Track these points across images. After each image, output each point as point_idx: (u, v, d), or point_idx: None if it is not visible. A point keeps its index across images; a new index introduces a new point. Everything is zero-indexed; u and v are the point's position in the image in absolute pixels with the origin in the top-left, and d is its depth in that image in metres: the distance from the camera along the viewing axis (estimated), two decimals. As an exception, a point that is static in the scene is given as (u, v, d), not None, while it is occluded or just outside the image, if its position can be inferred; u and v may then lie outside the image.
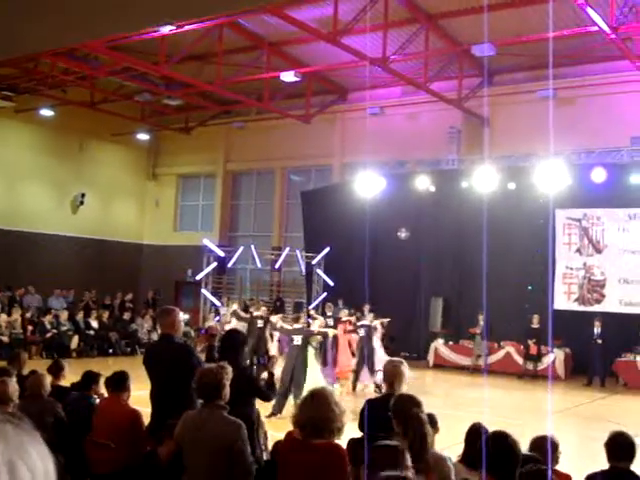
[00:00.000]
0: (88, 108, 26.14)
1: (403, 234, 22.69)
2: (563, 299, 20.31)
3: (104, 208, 29.27)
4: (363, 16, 17.91)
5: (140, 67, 20.82)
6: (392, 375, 5.41)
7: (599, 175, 18.93)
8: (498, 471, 4.13)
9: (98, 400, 7.39)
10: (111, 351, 21.11)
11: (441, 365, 20.71)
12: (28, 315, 20.99)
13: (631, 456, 4.90)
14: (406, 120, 24.63)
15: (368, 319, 16.66)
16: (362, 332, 16.27)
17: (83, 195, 28.03)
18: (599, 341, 18.29)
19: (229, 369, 5.05)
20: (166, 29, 16.84)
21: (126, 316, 23.26)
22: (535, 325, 19.27)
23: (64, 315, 21.26)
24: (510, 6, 17.67)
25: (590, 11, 15.30)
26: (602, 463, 4.97)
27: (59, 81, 23.96)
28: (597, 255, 20.04)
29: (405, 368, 5.56)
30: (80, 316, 21.83)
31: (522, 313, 19.73)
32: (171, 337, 6.55)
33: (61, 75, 23.04)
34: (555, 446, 5.50)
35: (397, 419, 4.35)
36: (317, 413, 4.17)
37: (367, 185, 22.03)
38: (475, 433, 5.47)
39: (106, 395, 7.02)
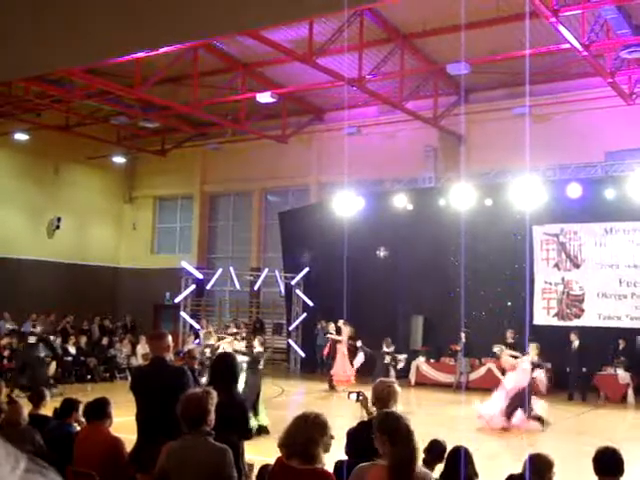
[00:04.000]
0: (63, 132, 26.01)
1: (382, 253, 22.69)
2: (542, 314, 20.37)
3: (80, 232, 29.04)
4: (338, 36, 18.01)
5: (115, 90, 20.76)
6: (387, 395, 5.34)
7: (575, 190, 19.07)
8: None
9: (78, 428, 7.26)
10: (90, 377, 20.81)
11: (423, 383, 20.65)
12: (4, 342, 20.66)
13: (619, 470, 4.87)
14: (383, 139, 24.73)
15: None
16: (387, 359, 15.94)
17: (59, 219, 27.81)
18: (577, 355, 18.34)
19: (214, 394, 4.97)
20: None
21: (104, 341, 22.98)
22: (509, 340, 19.33)
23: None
24: (484, 25, 17.83)
25: (562, 29, 15.48)
26: (588, 478, 4.94)
27: (33, 105, 23.82)
28: (575, 270, 20.15)
29: (398, 388, 5.50)
30: (58, 342, 21.53)
31: (502, 329, 19.72)
32: (164, 360, 6.47)
33: (35, 98, 22.91)
34: (549, 465, 5.42)
35: (383, 436, 4.21)
36: (306, 436, 4.10)
37: (345, 205, 22.04)
38: (452, 453, 5.52)
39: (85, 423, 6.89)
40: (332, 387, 19.09)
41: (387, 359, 15.74)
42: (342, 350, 19.32)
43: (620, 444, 8.68)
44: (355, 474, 4.26)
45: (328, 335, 20.21)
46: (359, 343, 16.46)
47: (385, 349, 15.98)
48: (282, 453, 4.32)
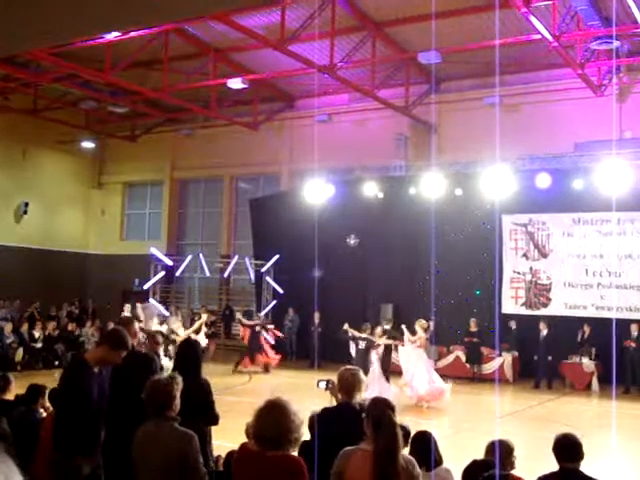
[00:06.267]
0: (31, 115, 25.65)
1: (352, 240, 22.73)
2: (511, 303, 20.56)
3: (48, 217, 28.73)
4: (310, 24, 17.94)
5: (85, 74, 20.52)
6: (351, 383, 5.35)
7: (544, 181, 19.22)
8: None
9: (45, 414, 7.20)
10: (57, 363, 20.64)
11: (392, 371, 20.70)
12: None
13: (579, 456, 4.95)
14: (354, 127, 24.74)
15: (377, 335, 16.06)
16: (361, 345, 15.84)
17: (27, 204, 27.47)
18: (545, 343, 18.57)
19: (179, 379, 4.95)
20: (111, 35, 16.64)
21: (72, 327, 22.80)
22: (473, 329, 19.61)
23: (8, 327, 20.74)
24: (456, 14, 17.88)
25: (533, 19, 15.58)
26: (553, 465, 5.01)
27: (1, 88, 23.47)
28: (543, 259, 20.34)
29: (363, 376, 5.52)
30: (25, 328, 21.33)
31: (470, 317, 19.93)
32: (132, 347, 6.45)
33: (3, 81, 22.57)
34: (510, 450, 5.54)
35: (368, 421, 4.31)
36: (276, 424, 4.10)
37: (316, 192, 22.03)
38: (419, 439, 5.57)
39: (52, 409, 6.84)
40: (266, 370, 20.61)
41: (361, 344, 15.73)
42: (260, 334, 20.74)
43: (584, 431, 8.81)
44: (340, 457, 4.30)
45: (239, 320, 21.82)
46: (350, 333, 16.36)
47: (358, 334, 15.99)
48: (251, 440, 4.32)
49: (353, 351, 16.61)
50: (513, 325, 19.68)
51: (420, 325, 15.96)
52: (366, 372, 14.98)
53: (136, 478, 4.73)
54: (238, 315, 22.20)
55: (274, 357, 20.85)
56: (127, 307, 21.53)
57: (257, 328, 20.71)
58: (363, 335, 15.87)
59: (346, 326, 16.73)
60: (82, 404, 5.44)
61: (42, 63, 20.50)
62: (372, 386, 14.65)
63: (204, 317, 19.19)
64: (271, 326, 21.70)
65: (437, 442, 5.68)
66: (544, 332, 18.67)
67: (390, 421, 4.24)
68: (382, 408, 4.38)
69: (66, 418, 5.53)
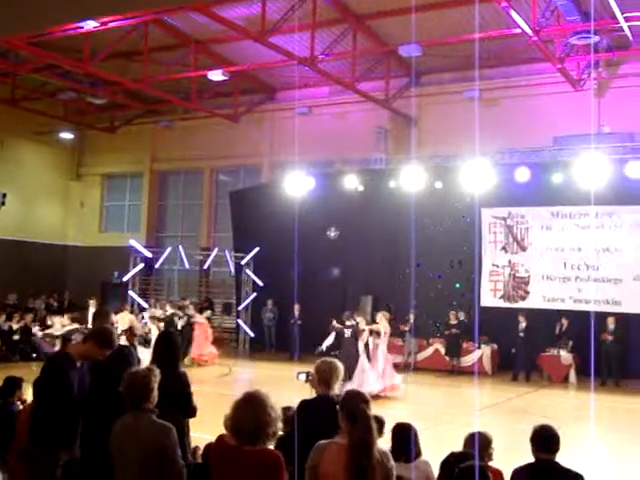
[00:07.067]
0: (9, 105, 25.40)
1: (332, 233, 22.75)
2: (489, 296, 20.66)
3: (26, 209, 28.49)
4: (291, 15, 17.90)
5: (63, 64, 20.35)
6: (329, 374, 5.35)
7: (523, 174, 19.31)
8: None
9: (21, 406, 7.16)
10: (35, 355, 20.50)
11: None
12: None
13: (555, 448, 4.99)
14: (334, 120, 24.72)
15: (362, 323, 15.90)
16: (347, 333, 15.76)
17: (4, 195, 27.15)
18: (523, 336, 18.69)
19: (157, 372, 4.94)
20: (90, 25, 16.52)
21: (50, 320, 22.64)
22: (453, 321, 19.71)
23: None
24: (436, 7, 17.90)
25: (513, 14, 15.63)
26: (531, 457, 5.05)
27: (-22, 77, 23.24)
28: (522, 253, 20.45)
29: (340, 365, 5.52)
30: (2, 319, 21.17)
31: (450, 310, 20.02)
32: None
33: (-20, 71, 22.35)
34: (488, 442, 5.58)
35: (343, 414, 4.32)
36: (254, 417, 4.09)
37: (296, 185, 22.01)
38: (400, 430, 5.59)
39: (29, 401, 6.80)
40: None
41: (347, 333, 15.68)
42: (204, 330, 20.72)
43: (561, 423, 8.88)
44: (314, 450, 4.31)
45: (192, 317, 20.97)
46: (334, 322, 16.34)
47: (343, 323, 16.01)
48: (229, 434, 4.30)
49: (325, 344, 16.57)
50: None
51: (383, 315, 16.02)
52: (356, 360, 15.04)
53: (114, 470, 4.72)
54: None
55: (203, 354, 20.53)
56: (92, 302, 21.57)
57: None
58: (348, 323, 15.85)
59: (334, 322, 16.76)
60: (64, 398, 5.44)
61: (21, 53, 20.30)
62: (359, 376, 14.69)
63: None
64: (201, 320, 21.17)
65: (417, 434, 5.71)
66: (523, 325, 18.79)
67: (365, 414, 4.26)
68: (356, 401, 4.40)
69: (47, 411, 5.51)
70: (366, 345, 15.46)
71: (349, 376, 14.17)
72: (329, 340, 16.62)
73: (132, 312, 20.36)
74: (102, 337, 5.74)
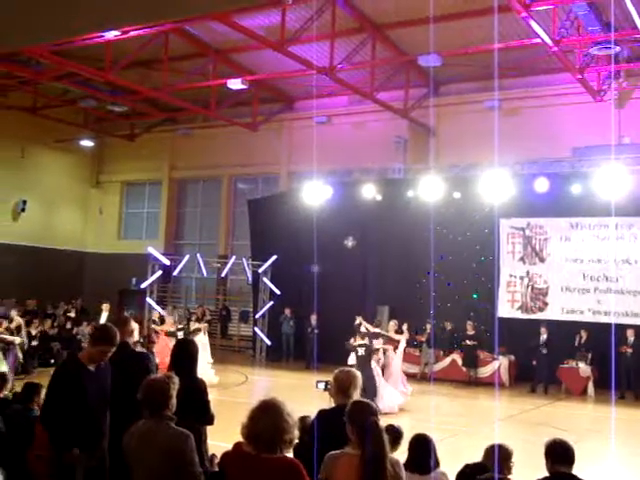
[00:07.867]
0: (30, 113, 25.64)
1: (350, 242, 22.74)
2: (507, 307, 20.56)
3: (46, 215, 28.71)
4: (310, 25, 17.95)
5: (84, 72, 20.50)
6: (347, 383, 5.31)
7: (542, 185, 19.23)
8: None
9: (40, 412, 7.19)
10: (53, 362, 20.56)
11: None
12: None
13: (571, 460, 4.94)
14: (353, 129, 24.74)
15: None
16: (361, 352, 15.18)
17: (25, 202, 27.45)
18: (544, 349, 18.55)
19: (176, 379, 4.95)
20: (111, 34, 16.64)
21: (69, 325, 22.77)
22: (470, 332, 19.61)
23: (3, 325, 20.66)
24: (456, 17, 17.89)
25: (533, 24, 15.58)
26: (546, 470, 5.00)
27: (0, 85, 23.44)
28: (540, 264, 20.35)
29: (358, 373, 5.49)
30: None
31: (467, 321, 19.93)
32: (128, 345, 6.47)
33: (2, 79, 22.54)
34: (508, 455, 5.51)
35: (353, 427, 4.29)
36: (271, 424, 4.08)
37: (314, 194, 22.02)
38: (418, 442, 5.55)
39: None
40: None
41: (360, 351, 15.32)
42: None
43: (579, 436, 8.81)
44: (325, 462, 4.29)
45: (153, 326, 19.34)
46: (352, 340, 16.01)
47: (356, 342, 15.72)
48: (246, 442, 4.28)
49: (351, 360, 16.32)
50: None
51: (391, 327, 15.98)
52: (370, 378, 14.78)
53: (131, 476, 4.72)
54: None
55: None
56: (105, 306, 21.63)
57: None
58: (361, 342, 15.54)
59: (359, 320, 16.71)
60: (74, 401, 5.45)
61: (42, 61, 20.47)
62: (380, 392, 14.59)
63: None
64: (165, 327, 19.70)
65: (435, 445, 5.67)
66: (544, 336, 18.66)
67: (376, 428, 4.23)
68: (365, 415, 4.36)
69: (55, 414, 5.54)
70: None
71: (372, 393, 13.82)
72: (351, 360, 16.27)
73: (149, 319, 20.30)
74: (94, 333, 5.85)
